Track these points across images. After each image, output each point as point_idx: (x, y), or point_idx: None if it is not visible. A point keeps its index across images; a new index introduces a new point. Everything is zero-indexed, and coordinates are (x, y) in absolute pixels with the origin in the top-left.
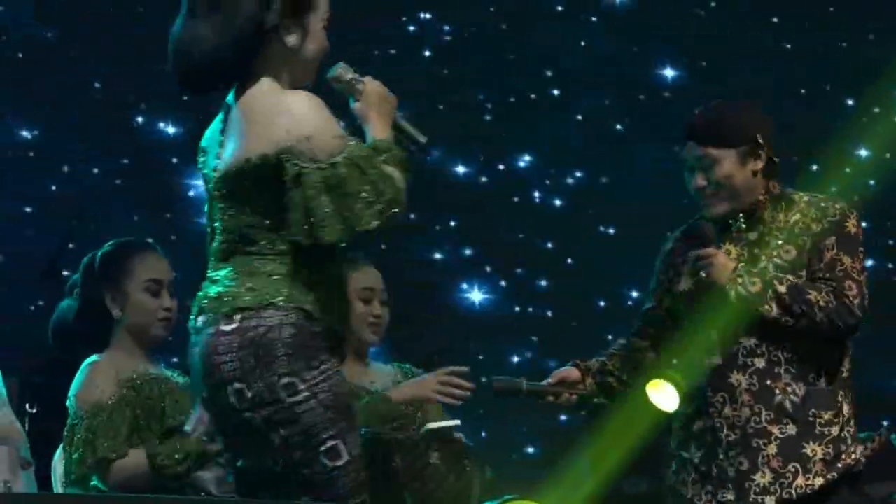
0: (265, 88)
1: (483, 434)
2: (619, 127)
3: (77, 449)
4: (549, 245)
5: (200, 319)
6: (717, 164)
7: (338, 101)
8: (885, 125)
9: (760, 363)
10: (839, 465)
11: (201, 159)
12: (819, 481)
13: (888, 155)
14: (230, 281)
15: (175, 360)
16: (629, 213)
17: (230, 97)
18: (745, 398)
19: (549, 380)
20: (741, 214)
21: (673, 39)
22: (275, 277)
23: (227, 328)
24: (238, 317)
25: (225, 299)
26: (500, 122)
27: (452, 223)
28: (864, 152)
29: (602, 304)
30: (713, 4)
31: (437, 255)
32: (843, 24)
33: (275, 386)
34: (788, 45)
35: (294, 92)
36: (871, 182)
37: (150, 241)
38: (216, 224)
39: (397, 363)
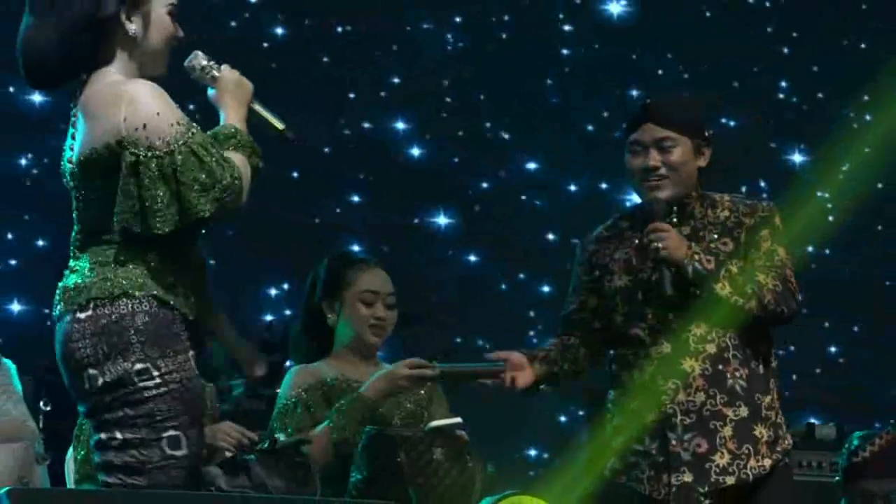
0: (108, 80)
1: (483, 433)
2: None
3: (83, 448)
4: (554, 245)
5: (59, 308)
6: (675, 148)
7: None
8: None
9: (712, 349)
10: (779, 449)
11: (63, 156)
12: (767, 462)
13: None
14: (87, 271)
15: None
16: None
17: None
18: (700, 383)
19: (490, 356)
20: (675, 208)
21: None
22: (129, 266)
23: (82, 316)
24: (92, 305)
25: (81, 289)
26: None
27: (461, 221)
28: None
29: None
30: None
31: (448, 253)
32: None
33: (128, 372)
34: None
35: (133, 81)
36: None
37: None
38: (74, 216)
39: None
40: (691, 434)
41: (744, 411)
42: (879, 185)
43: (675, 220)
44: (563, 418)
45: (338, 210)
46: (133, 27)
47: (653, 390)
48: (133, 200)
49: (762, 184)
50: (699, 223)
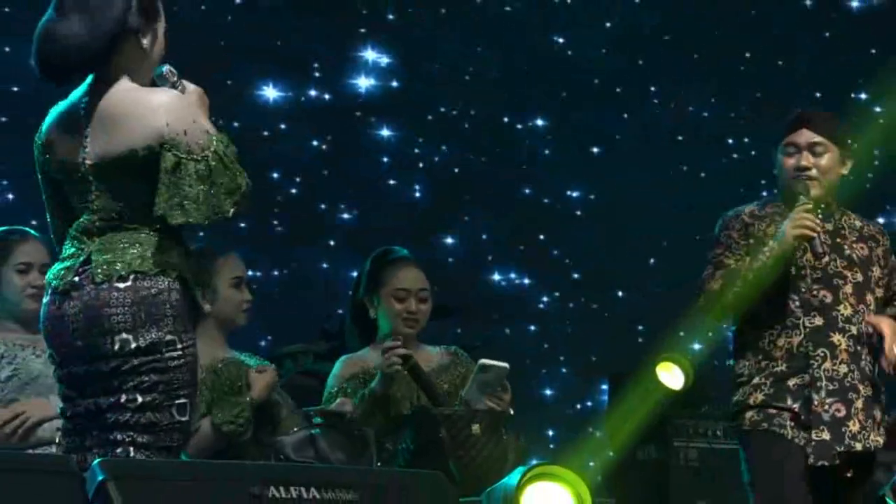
0: (130, 86)
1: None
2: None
3: None
4: (579, 241)
5: (79, 278)
6: (826, 153)
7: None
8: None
9: (853, 329)
10: (881, 430)
11: (45, 155)
12: (880, 440)
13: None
14: (117, 250)
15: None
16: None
17: (77, 97)
18: (844, 356)
19: None
20: (822, 205)
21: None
22: (162, 249)
23: (121, 286)
24: (132, 277)
25: (118, 263)
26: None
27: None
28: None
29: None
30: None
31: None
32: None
33: (161, 341)
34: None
35: (166, 90)
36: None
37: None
38: (80, 203)
39: (444, 346)
40: (833, 399)
41: (869, 391)
42: None
43: (821, 216)
44: (582, 398)
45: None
46: (145, 42)
47: (800, 357)
48: (174, 196)
49: None
50: (839, 224)
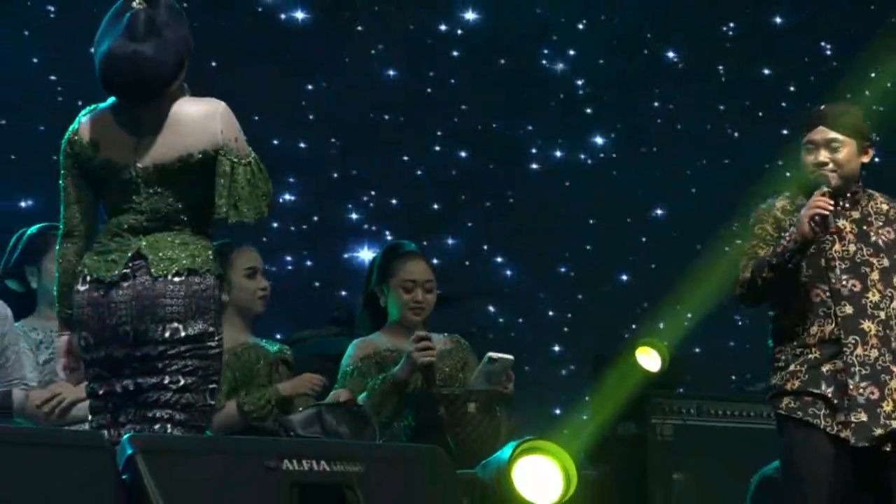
0: (186, 98)
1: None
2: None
3: None
4: (572, 229)
5: (129, 271)
6: (842, 148)
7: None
8: None
9: (881, 315)
10: None
11: (88, 152)
12: None
13: None
14: (167, 248)
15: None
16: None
17: (113, 101)
18: (874, 341)
19: None
20: (845, 197)
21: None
22: (206, 250)
23: (176, 280)
24: (185, 273)
25: (172, 260)
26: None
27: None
28: None
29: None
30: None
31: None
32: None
33: (206, 332)
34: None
35: (211, 101)
36: None
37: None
38: (126, 203)
39: (447, 333)
40: (867, 383)
41: None
42: None
43: (847, 205)
44: (568, 379)
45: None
46: (186, 62)
47: (831, 344)
48: (231, 197)
49: None
50: (865, 210)
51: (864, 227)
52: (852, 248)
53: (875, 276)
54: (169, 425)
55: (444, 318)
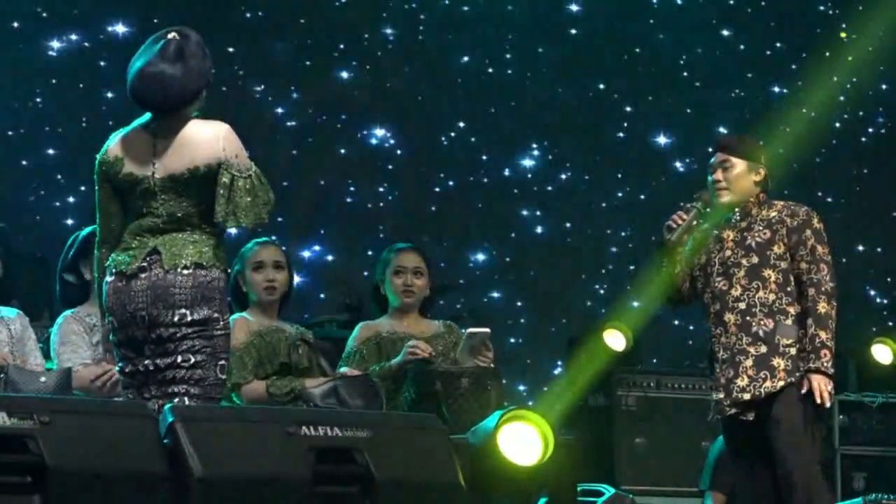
0: (198, 119)
1: None
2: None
3: None
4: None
5: (146, 264)
6: (732, 168)
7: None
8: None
9: (741, 306)
10: (797, 374)
11: (113, 168)
12: (780, 384)
13: None
14: (179, 246)
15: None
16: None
17: (144, 124)
18: (733, 329)
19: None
20: (737, 209)
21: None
22: (213, 246)
23: (185, 272)
24: (192, 266)
25: (180, 255)
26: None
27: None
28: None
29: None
30: None
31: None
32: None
33: (210, 317)
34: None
35: (220, 123)
36: None
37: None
38: (144, 208)
39: (441, 319)
40: (726, 366)
41: (763, 349)
42: None
43: (737, 217)
44: (546, 358)
45: None
46: (204, 92)
47: (713, 338)
48: (229, 204)
49: None
50: (753, 219)
51: (745, 234)
52: (728, 253)
53: (741, 273)
54: (186, 399)
55: (439, 306)
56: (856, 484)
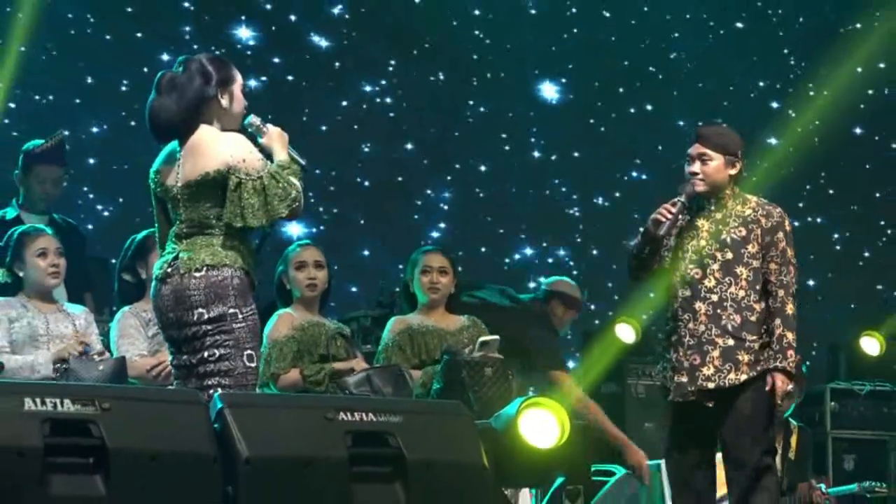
0: (209, 129)
1: None
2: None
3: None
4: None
5: (170, 269)
6: (710, 161)
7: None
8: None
9: (714, 297)
10: (758, 368)
11: (156, 183)
12: (743, 377)
13: None
14: (197, 249)
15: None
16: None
17: (177, 142)
18: (703, 318)
19: None
20: (712, 199)
21: None
22: (227, 248)
23: (197, 275)
24: (205, 269)
25: (195, 259)
26: None
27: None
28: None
29: None
30: None
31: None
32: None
33: (225, 313)
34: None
35: (230, 133)
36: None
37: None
38: (175, 216)
39: (466, 314)
40: (692, 351)
41: (730, 342)
42: None
43: (712, 208)
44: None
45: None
46: (224, 101)
47: (676, 319)
48: (237, 207)
49: None
50: (728, 213)
51: (720, 227)
52: (703, 243)
53: (716, 266)
54: (220, 389)
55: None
56: (846, 465)
